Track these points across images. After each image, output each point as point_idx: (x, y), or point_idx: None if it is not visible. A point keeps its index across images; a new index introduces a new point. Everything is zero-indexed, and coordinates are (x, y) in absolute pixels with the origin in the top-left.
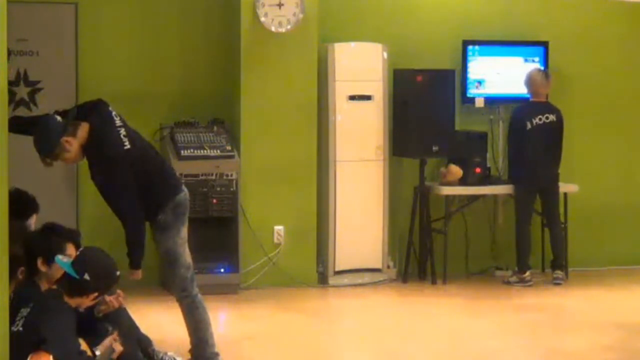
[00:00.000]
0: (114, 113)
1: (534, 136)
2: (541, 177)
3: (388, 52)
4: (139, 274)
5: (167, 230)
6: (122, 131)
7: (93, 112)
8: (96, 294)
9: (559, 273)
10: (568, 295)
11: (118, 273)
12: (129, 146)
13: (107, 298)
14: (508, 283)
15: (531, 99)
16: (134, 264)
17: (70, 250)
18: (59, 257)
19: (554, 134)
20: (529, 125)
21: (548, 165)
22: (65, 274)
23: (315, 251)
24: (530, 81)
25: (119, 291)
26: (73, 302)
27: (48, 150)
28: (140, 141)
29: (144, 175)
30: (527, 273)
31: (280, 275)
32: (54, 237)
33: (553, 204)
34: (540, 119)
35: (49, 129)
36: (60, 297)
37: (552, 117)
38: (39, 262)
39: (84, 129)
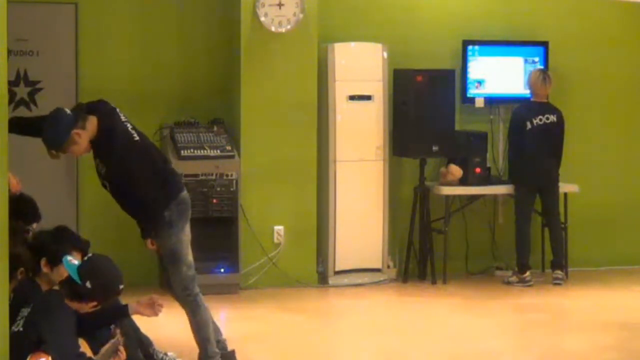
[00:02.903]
0: (117, 110)
1: (533, 136)
2: (541, 177)
3: (388, 52)
4: (152, 243)
5: (172, 227)
6: (129, 125)
7: (99, 107)
8: (95, 303)
9: (559, 273)
10: (568, 295)
11: (121, 287)
12: (137, 137)
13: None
14: (508, 283)
15: (532, 99)
16: (147, 232)
17: (76, 258)
18: (68, 258)
19: (554, 134)
20: (528, 125)
21: (548, 166)
22: (69, 277)
23: (315, 251)
24: (530, 81)
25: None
26: (72, 305)
27: (58, 142)
28: (143, 138)
29: (150, 172)
30: (527, 273)
31: (280, 275)
32: (64, 241)
33: (553, 204)
34: (540, 119)
35: (59, 122)
36: (61, 298)
37: (552, 118)
38: (43, 262)
39: (92, 123)
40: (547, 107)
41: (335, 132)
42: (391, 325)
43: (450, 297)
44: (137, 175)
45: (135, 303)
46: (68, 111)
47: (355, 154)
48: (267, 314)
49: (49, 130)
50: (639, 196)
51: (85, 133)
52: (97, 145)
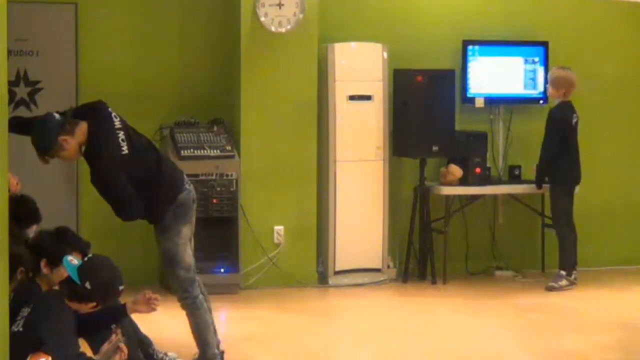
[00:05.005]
0: (113, 114)
1: (574, 135)
2: (579, 175)
3: (388, 52)
4: None
5: (167, 231)
6: (121, 134)
7: (92, 112)
8: (95, 304)
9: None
10: (568, 295)
11: (121, 288)
12: (126, 151)
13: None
14: (558, 288)
15: (565, 99)
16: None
17: (76, 259)
18: (68, 258)
19: (578, 133)
20: (571, 124)
21: (579, 164)
22: (69, 277)
23: (315, 251)
24: (568, 80)
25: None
26: (72, 305)
27: (45, 148)
28: (140, 143)
29: (142, 181)
30: (573, 273)
31: (280, 275)
32: (64, 242)
33: (573, 202)
34: (574, 118)
35: (46, 127)
36: (61, 298)
37: (577, 116)
38: (43, 263)
39: (81, 128)
40: (573, 107)
41: (335, 132)
42: (391, 325)
43: (450, 297)
44: (116, 184)
45: (131, 302)
46: (57, 116)
47: (355, 154)
48: (267, 314)
49: (36, 136)
50: (639, 196)
51: (73, 139)
52: (85, 149)
